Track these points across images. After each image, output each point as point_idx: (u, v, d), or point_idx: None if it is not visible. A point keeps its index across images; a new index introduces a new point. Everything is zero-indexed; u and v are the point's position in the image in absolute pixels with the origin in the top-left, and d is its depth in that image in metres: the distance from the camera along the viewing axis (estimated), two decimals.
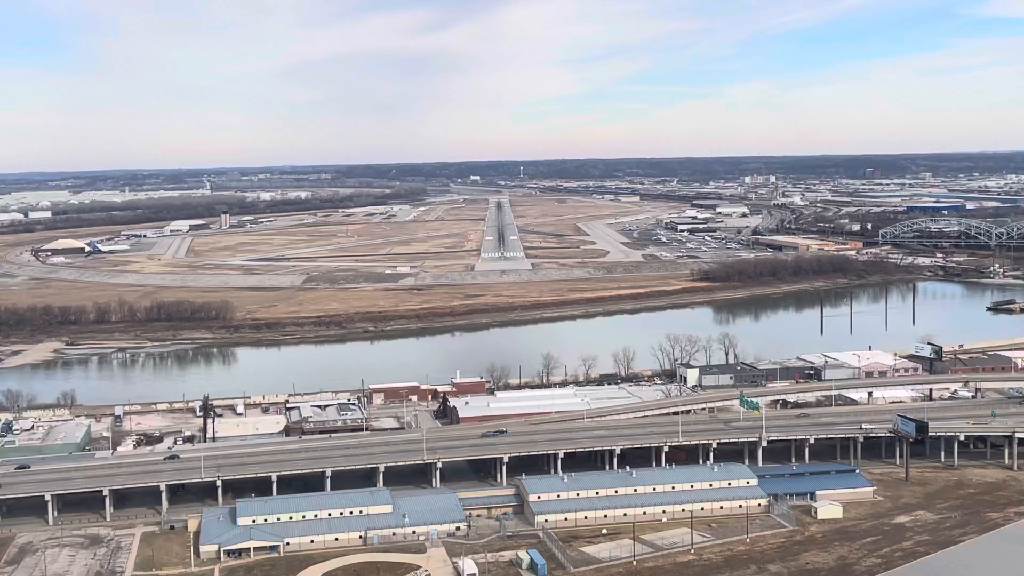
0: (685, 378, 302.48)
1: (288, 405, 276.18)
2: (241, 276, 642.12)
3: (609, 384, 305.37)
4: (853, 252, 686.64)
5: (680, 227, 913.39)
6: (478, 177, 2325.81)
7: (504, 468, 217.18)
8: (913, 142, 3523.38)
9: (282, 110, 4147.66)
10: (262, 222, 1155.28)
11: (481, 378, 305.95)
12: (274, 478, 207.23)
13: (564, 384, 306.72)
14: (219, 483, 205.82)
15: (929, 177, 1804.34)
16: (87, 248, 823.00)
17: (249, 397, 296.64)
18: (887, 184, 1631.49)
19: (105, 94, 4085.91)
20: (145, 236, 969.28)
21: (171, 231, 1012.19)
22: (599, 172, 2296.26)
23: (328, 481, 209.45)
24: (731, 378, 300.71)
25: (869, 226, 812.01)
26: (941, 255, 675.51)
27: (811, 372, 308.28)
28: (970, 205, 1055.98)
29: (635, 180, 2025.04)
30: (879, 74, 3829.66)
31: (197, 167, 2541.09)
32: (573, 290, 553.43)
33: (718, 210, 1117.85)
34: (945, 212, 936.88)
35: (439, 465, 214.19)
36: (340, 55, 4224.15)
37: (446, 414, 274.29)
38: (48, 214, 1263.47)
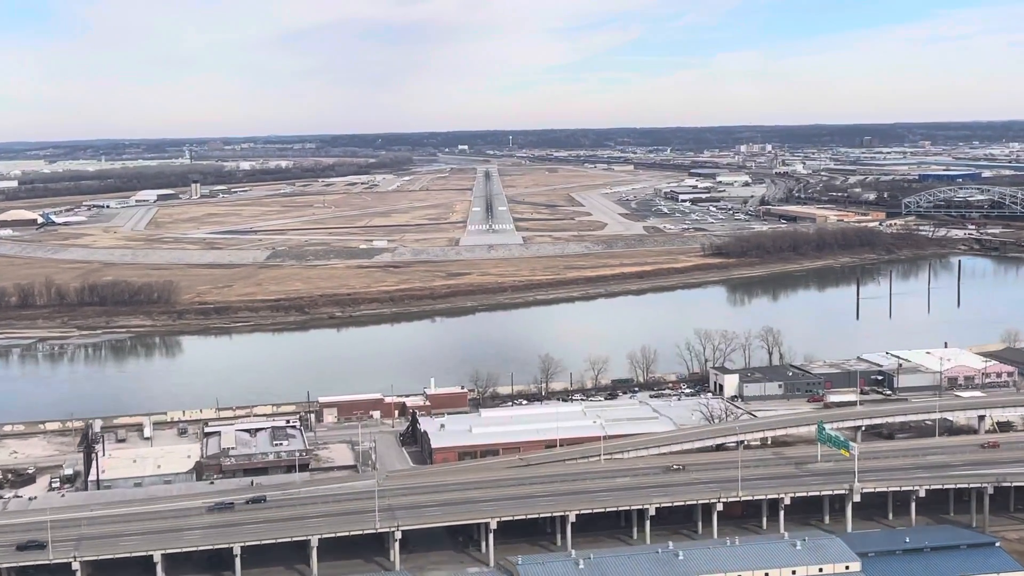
0: (721, 386, 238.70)
1: (207, 429, 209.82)
2: (199, 251, 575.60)
3: (625, 393, 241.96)
4: (876, 224, 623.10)
5: (681, 197, 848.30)
6: (466, 147, 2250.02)
7: (491, 536, 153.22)
8: (905, 111, 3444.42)
9: (270, 79, 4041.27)
10: (235, 192, 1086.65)
11: (463, 388, 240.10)
12: (158, 558, 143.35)
13: (568, 396, 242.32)
14: (76, 565, 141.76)
15: (929, 145, 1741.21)
16: (40, 220, 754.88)
17: (165, 413, 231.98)
18: (887, 152, 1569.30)
19: (92, 63, 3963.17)
20: (108, 207, 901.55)
21: (136, 201, 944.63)
22: (590, 141, 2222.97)
23: (238, 560, 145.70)
24: (780, 387, 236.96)
25: (885, 195, 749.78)
26: (973, 227, 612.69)
27: (879, 378, 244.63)
28: (986, 173, 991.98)
29: (627, 149, 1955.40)
30: (868, 43, 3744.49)
31: (183, 137, 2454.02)
32: (570, 267, 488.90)
33: (718, 179, 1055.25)
34: (960, 180, 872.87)
35: (398, 535, 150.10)
36: (330, 23, 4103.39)
37: (415, 439, 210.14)
38: (15, 184, 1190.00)
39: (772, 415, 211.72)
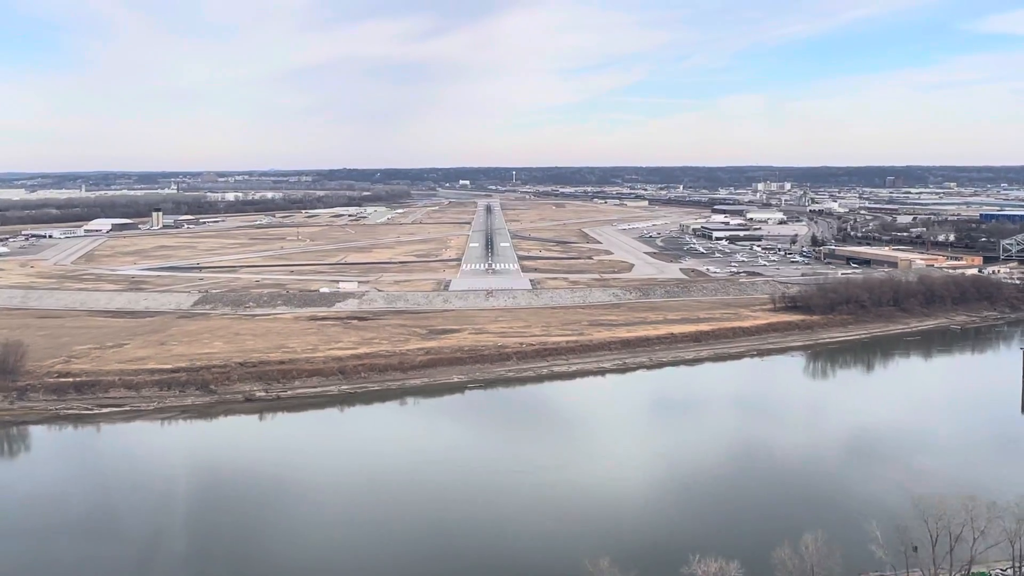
0: None
1: None
2: (114, 293, 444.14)
3: None
4: (975, 270, 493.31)
5: (716, 234, 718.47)
6: (467, 182, 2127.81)
7: None
8: (914, 155, 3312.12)
9: (271, 116, 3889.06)
10: (204, 222, 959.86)
11: None
12: None
13: None
14: None
15: (955, 187, 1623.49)
16: None
17: None
18: (917, 193, 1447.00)
19: (95, 97, 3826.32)
20: (49, 236, 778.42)
21: (85, 231, 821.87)
22: (596, 178, 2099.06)
23: None
24: None
25: (963, 236, 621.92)
26: None
27: None
28: None
29: (636, 186, 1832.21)
30: (874, 88, 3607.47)
31: (179, 170, 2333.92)
32: (596, 324, 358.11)
33: (749, 216, 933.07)
34: None
35: None
36: (335, 60, 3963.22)
37: None
38: None
39: None
